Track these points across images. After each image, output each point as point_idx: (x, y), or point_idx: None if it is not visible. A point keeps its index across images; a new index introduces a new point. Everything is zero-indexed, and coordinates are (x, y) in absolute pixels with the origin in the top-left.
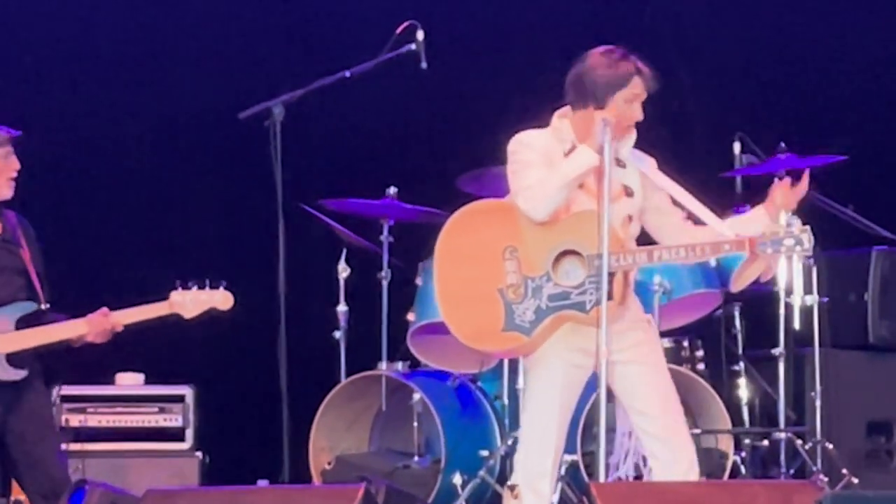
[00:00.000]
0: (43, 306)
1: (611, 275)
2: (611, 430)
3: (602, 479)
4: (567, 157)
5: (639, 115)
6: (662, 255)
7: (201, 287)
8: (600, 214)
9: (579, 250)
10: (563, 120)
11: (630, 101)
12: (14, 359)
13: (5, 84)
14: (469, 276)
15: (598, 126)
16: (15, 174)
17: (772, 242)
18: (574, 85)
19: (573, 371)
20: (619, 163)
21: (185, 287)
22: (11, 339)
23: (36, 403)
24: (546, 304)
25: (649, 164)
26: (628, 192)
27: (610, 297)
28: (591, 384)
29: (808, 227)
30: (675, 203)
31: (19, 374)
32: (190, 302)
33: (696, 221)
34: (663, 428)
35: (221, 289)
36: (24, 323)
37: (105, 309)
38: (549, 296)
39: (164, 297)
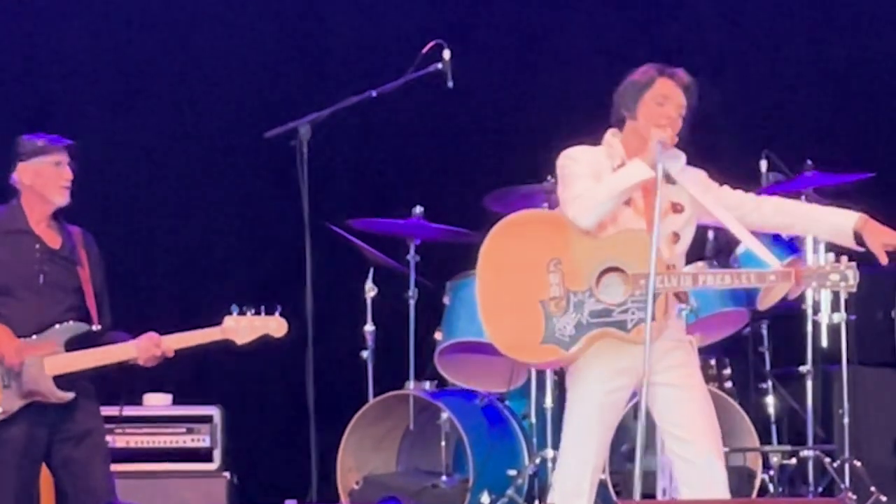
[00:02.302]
0: (94, 327)
1: (655, 295)
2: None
3: (637, 497)
4: (617, 170)
5: (670, 114)
6: (707, 280)
7: (256, 312)
8: (651, 235)
9: (624, 268)
10: (615, 137)
11: (659, 101)
12: (61, 381)
13: (33, 104)
14: (512, 286)
15: (652, 143)
16: (67, 183)
17: (818, 276)
18: (613, 103)
19: (614, 394)
20: (670, 179)
21: (241, 313)
22: (59, 361)
23: (86, 426)
24: (587, 319)
25: (698, 179)
26: (677, 209)
27: (652, 318)
28: None
29: (853, 264)
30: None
31: (66, 397)
32: (243, 328)
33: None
34: (697, 453)
35: (277, 315)
36: (76, 344)
37: (155, 334)
38: (591, 312)
39: (217, 322)
